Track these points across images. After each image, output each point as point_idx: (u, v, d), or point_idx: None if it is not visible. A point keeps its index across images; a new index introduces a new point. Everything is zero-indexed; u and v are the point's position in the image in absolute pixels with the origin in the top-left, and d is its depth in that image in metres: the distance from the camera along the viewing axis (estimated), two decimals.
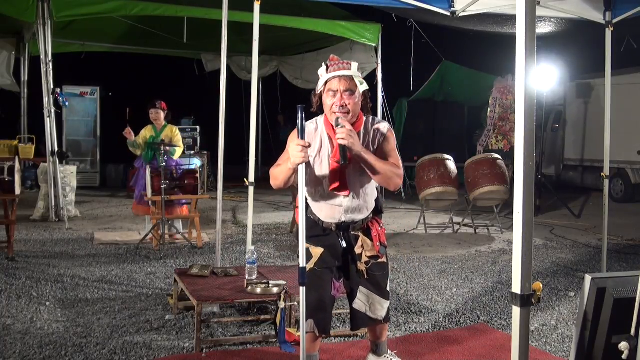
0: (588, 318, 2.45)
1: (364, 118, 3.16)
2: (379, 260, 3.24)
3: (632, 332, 2.32)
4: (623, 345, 2.31)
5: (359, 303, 3.22)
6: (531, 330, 4.36)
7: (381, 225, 3.31)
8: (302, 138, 2.88)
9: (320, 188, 3.15)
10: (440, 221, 9.19)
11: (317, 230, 3.21)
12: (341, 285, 3.21)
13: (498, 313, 4.84)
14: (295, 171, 2.95)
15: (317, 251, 3.17)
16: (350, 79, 3.03)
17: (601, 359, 2.44)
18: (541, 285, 2.20)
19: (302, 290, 2.89)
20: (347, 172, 3.09)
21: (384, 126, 3.19)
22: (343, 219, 3.16)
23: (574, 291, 5.45)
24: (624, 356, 2.30)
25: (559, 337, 4.31)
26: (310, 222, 3.21)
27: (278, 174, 3.08)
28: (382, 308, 3.25)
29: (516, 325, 2.21)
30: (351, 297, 3.24)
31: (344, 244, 3.19)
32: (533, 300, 2.18)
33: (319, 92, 3.11)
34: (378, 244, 3.22)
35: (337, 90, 3.01)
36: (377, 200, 3.29)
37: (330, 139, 3.09)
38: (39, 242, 7.22)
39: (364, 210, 3.21)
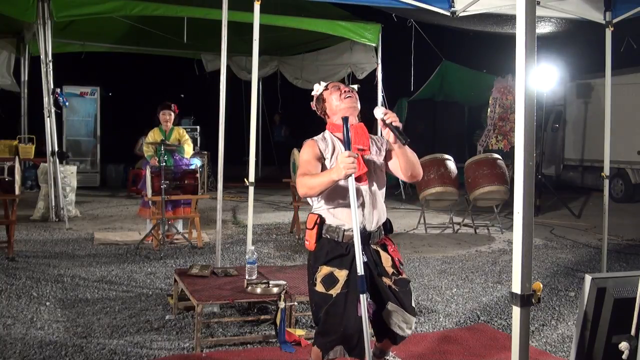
0: (588, 318, 2.45)
1: None
2: (403, 276, 3.21)
3: (632, 332, 2.32)
4: (623, 345, 2.31)
5: (386, 315, 3.15)
6: (531, 330, 4.36)
7: (394, 243, 3.31)
8: (348, 149, 2.94)
9: (338, 188, 3.08)
10: (440, 221, 9.19)
11: (339, 250, 3.11)
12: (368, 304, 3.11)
13: (498, 313, 4.84)
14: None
15: (342, 274, 3.07)
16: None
17: (601, 359, 2.44)
18: (541, 285, 2.20)
19: (363, 297, 2.92)
20: (368, 161, 3.13)
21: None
22: (363, 223, 3.10)
23: (574, 291, 5.45)
24: (624, 356, 2.30)
25: (559, 337, 4.31)
26: (332, 243, 3.12)
27: (315, 184, 2.97)
28: (410, 325, 3.20)
29: (516, 325, 2.21)
30: (380, 310, 3.15)
31: (365, 259, 3.08)
32: (533, 300, 2.18)
33: (320, 94, 3.23)
34: (397, 259, 3.22)
35: (340, 87, 3.19)
36: (388, 220, 3.27)
37: (341, 141, 3.12)
38: (39, 242, 7.22)
39: (380, 209, 3.18)
